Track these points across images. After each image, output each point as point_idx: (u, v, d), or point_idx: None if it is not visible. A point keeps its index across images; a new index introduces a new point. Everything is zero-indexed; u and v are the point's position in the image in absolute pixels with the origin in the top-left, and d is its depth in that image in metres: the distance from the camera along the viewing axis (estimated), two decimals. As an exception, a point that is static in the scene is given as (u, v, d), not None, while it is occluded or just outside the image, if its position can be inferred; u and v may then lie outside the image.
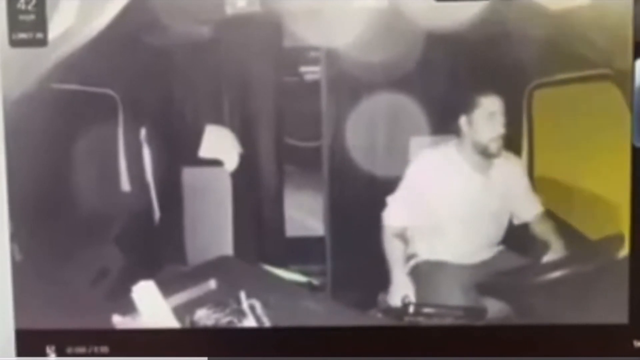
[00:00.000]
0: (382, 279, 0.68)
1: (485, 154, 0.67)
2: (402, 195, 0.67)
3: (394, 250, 0.68)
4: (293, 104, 0.67)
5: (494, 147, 0.67)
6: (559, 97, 0.64)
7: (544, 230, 0.67)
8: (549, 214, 0.66)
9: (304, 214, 0.69)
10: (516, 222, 0.69)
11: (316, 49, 0.65)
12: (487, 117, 0.66)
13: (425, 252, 0.69)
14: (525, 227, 0.68)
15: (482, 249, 0.69)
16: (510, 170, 0.68)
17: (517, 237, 0.68)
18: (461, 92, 0.66)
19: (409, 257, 0.69)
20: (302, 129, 0.67)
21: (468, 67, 0.64)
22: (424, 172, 0.67)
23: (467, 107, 0.66)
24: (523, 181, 0.67)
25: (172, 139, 0.68)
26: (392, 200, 0.67)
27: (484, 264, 0.68)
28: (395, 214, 0.68)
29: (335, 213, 0.69)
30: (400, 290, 0.68)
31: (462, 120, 0.67)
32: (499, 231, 0.68)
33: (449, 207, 0.68)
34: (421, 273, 0.69)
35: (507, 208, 0.68)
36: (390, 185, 0.67)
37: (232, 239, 0.70)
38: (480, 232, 0.68)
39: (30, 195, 0.64)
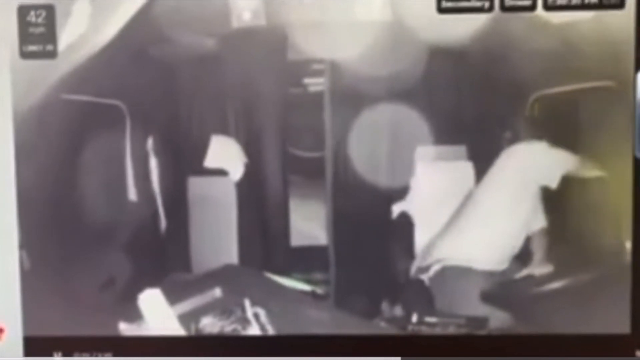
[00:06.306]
0: (386, 288, 0.68)
1: None
2: None
3: None
4: (297, 115, 0.68)
5: None
6: (561, 108, 0.64)
7: (546, 240, 0.67)
8: (552, 224, 0.67)
9: (308, 223, 0.70)
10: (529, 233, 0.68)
11: (320, 61, 0.65)
12: None
13: (452, 256, 0.69)
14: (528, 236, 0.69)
15: (502, 259, 0.68)
16: None
17: (520, 246, 0.68)
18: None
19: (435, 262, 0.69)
20: (306, 139, 0.68)
21: (471, 79, 0.65)
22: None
23: None
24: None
25: (178, 149, 0.69)
26: None
27: (490, 274, 0.68)
28: None
29: (339, 222, 0.69)
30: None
31: None
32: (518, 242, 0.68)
33: (497, 216, 0.68)
34: (442, 278, 0.69)
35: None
36: (393, 195, 0.67)
37: (237, 247, 0.71)
38: (510, 243, 0.68)
39: (39, 205, 0.65)
